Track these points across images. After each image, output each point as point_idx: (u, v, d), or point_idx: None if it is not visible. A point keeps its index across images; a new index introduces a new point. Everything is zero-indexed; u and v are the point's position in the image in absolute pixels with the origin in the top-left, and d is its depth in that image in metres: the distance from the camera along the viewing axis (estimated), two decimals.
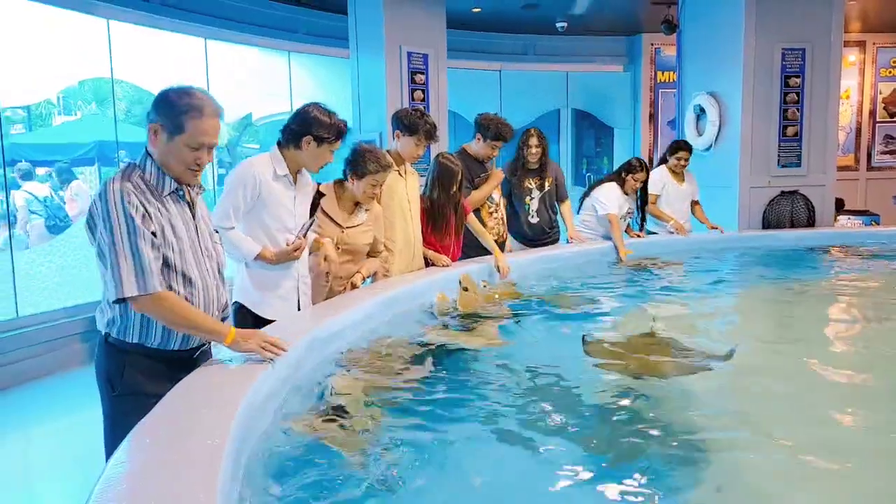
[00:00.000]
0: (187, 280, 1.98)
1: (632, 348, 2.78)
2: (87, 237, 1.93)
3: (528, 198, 4.82)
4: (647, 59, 9.01)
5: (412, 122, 3.58)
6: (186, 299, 1.97)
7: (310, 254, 2.98)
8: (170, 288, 1.94)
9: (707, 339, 3.02)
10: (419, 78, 6.33)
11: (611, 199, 5.04)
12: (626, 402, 2.25)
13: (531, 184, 4.81)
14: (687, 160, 5.46)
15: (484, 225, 4.35)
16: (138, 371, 1.95)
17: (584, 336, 2.87)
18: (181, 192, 2.01)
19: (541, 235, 4.91)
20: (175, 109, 1.90)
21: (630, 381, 2.42)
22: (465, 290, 3.56)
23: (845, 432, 2.16)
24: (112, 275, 1.81)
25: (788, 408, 2.32)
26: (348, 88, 6.60)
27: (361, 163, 3.04)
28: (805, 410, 2.30)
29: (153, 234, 1.87)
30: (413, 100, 6.29)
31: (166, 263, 1.93)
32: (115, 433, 1.89)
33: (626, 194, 5.11)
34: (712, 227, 5.67)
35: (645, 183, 5.14)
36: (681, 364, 2.58)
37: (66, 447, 3.57)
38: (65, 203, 7.07)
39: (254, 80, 7.42)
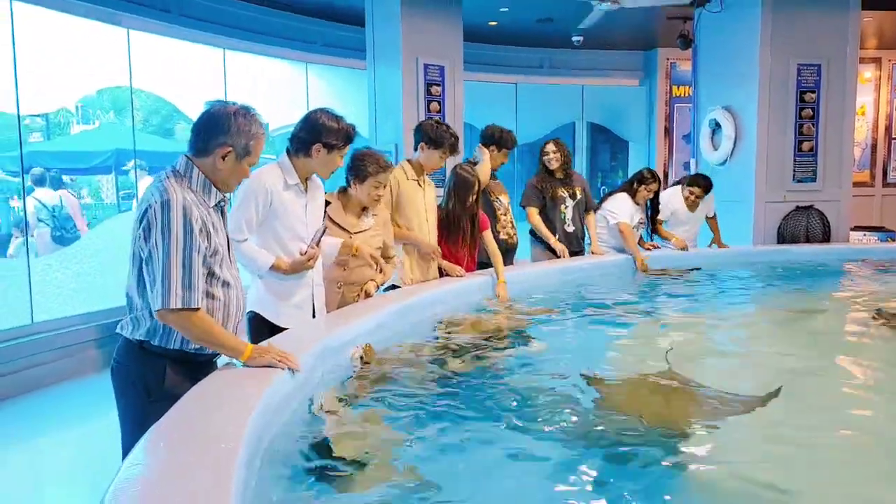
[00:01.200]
0: (226, 284, 2.06)
1: (642, 390, 2.40)
2: (133, 239, 1.91)
3: (562, 206, 4.85)
4: (663, 73, 9.02)
5: (438, 136, 3.63)
6: (225, 303, 2.06)
7: (325, 263, 2.99)
8: (211, 296, 2.01)
9: (727, 374, 2.75)
10: (435, 89, 6.37)
11: (622, 209, 5.03)
12: (640, 457, 1.90)
13: (563, 192, 4.84)
14: (698, 197, 5.34)
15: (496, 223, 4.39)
16: (178, 376, 1.97)
17: (584, 376, 2.51)
18: (222, 204, 2.08)
19: (577, 244, 4.92)
20: (247, 136, 1.99)
21: (642, 432, 2.03)
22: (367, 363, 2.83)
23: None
24: (161, 284, 1.82)
25: (833, 464, 1.97)
26: (365, 99, 6.65)
27: (362, 167, 3.08)
28: (851, 467, 1.97)
29: (207, 247, 1.94)
30: (429, 111, 6.33)
31: (211, 271, 1.99)
32: None
33: (638, 204, 5.11)
34: (717, 242, 5.63)
35: (656, 193, 5.13)
36: (702, 410, 2.22)
37: (83, 453, 3.58)
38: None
39: (271, 91, 7.50)
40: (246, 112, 2.02)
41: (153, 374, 1.96)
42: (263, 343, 2.19)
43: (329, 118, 2.70)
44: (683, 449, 1.95)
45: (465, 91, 6.72)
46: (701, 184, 5.37)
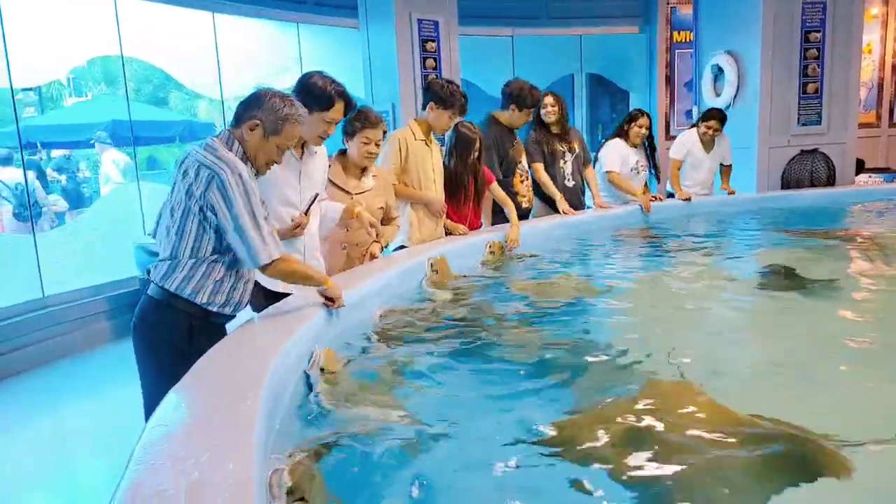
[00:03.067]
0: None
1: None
2: (182, 192, 2.06)
3: (562, 161, 4.75)
4: (663, 18, 8.81)
5: (448, 96, 3.55)
6: (248, 279, 2.27)
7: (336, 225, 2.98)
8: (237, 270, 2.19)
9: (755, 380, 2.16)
10: (430, 46, 6.25)
11: (610, 156, 5.01)
12: None
13: (562, 147, 4.74)
14: (717, 130, 5.31)
15: (516, 193, 4.34)
16: (202, 334, 2.09)
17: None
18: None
19: (577, 200, 4.83)
20: (279, 114, 2.13)
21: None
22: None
23: None
24: (249, 245, 2.04)
25: None
26: (359, 59, 6.54)
27: (349, 123, 3.08)
28: None
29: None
30: (425, 68, 6.23)
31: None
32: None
33: (635, 146, 5.06)
34: (725, 186, 5.60)
35: (650, 129, 5.07)
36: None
37: (100, 422, 3.64)
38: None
39: (263, 54, 7.36)
40: (284, 96, 2.17)
41: (180, 330, 2.09)
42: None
43: (319, 79, 2.63)
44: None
45: (461, 46, 6.59)
46: (716, 115, 5.31)
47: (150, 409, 1.97)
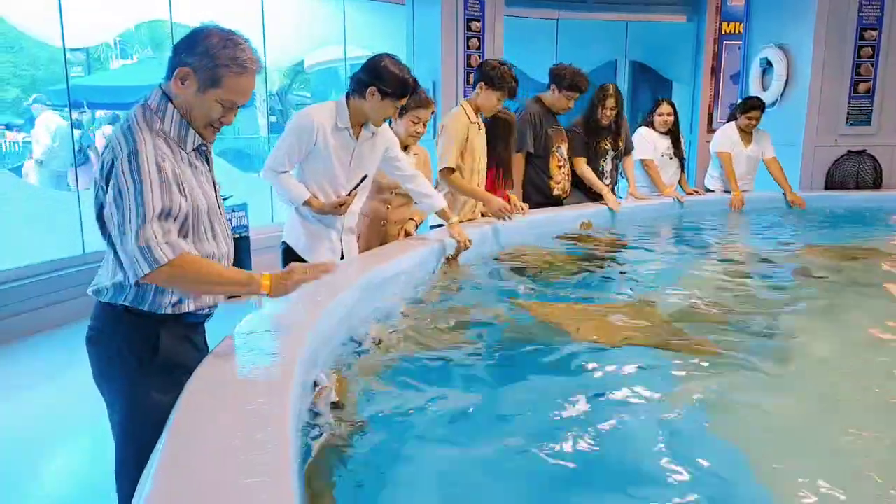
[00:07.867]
0: (210, 239, 1.76)
1: None
2: (95, 195, 1.64)
3: (602, 160, 4.70)
4: (713, 8, 8.59)
5: (500, 78, 3.50)
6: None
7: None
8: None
9: None
10: (475, 25, 6.21)
11: (640, 144, 4.99)
12: None
13: (606, 144, 4.68)
14: (758, 120, 5.19)
15: (551, 177, 4.33)
16: (172, 342, 1.73)
17: None
18: (203, 149, 1.76)
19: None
20: (216, 60, 1.61)
21: None
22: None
23: None
24: (139, 249, 1.53)
25: None
26: (402, 35, 6.52)
27: None
28: None
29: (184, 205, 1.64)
30: (468, 48, 6.20)
31: (189, 223, 1.68)
32: (142, 413, 1.70)
33: (664, 134, 5.05)
34: (792, 199, 5.27)
35: (675, 116, 5.02)
36: None
37: None
38: None
39: (307, 26, 7.38)
40: (227, 37, 1.64)
41: (146, 340, 1.70)
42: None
43: (392, 64, 2.65)
44: None
45: (505, 27, 6.53)
46: (756, 104, 5.18)
47: (120, 433, 1.87)
